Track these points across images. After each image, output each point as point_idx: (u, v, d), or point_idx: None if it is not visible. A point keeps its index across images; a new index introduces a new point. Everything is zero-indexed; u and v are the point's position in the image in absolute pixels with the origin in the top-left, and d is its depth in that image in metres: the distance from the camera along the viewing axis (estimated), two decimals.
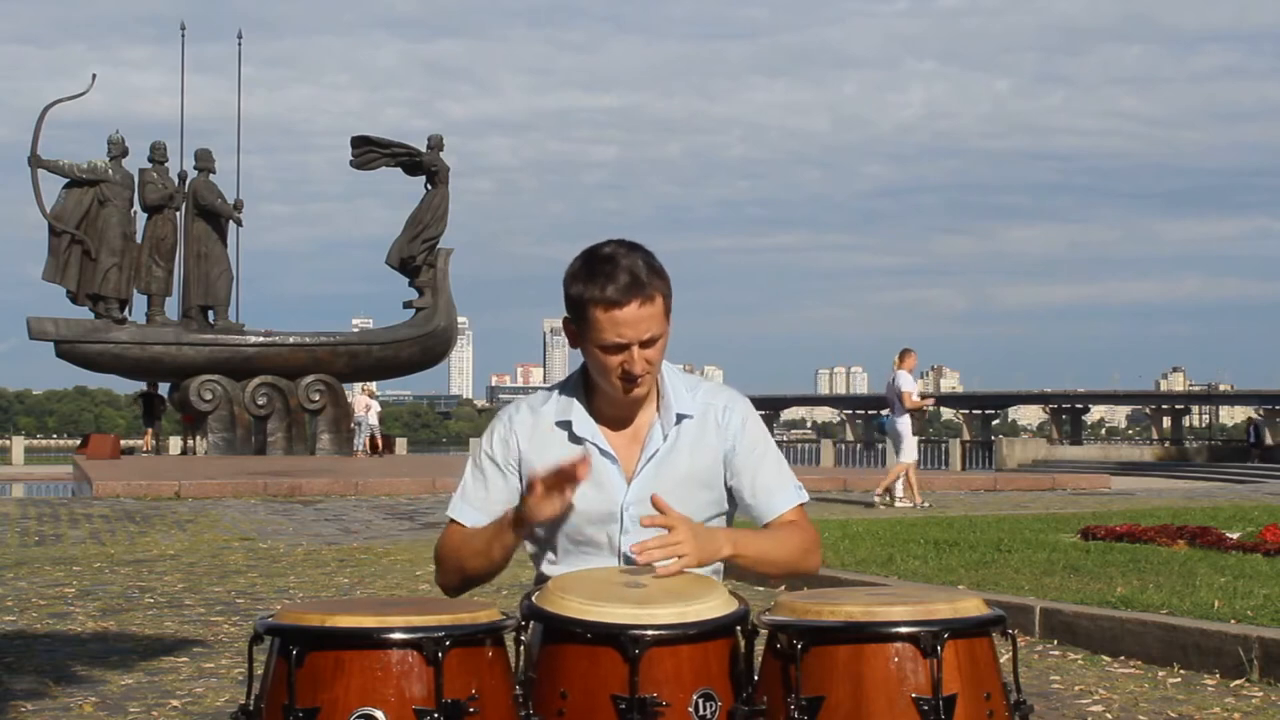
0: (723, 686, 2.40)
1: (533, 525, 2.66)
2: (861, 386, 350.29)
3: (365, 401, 35.11)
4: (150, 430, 36.51)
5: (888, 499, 16.87)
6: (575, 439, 2.77)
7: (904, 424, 16.50)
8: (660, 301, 2.67)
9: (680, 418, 2.79)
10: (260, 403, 31.76)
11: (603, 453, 2.76)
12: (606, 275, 2.63)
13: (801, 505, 2.83)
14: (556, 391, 2.84)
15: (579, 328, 2.70)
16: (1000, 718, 2.41)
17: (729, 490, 2.82)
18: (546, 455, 2.76)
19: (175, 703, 5.40)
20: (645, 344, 2.67)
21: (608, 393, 2.75)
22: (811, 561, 2.79)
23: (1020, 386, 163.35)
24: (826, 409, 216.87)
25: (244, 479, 20.68)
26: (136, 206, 32.35)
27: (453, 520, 2.83)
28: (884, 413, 17.47)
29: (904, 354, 16.61)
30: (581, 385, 2.81)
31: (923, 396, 16.76)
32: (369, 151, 33.64)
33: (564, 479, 2.60)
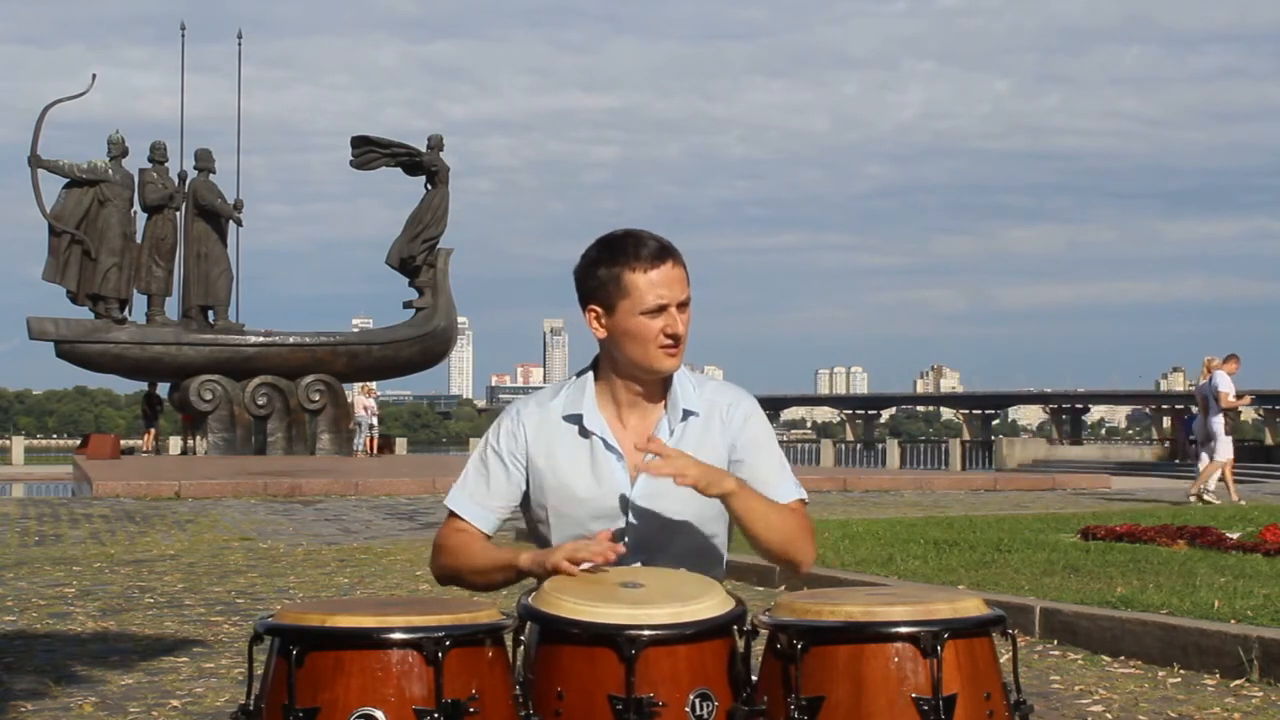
0: (720, 686, 2.40)
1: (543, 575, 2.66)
2: (861, 386, 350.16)
3: (364, 401, 35.10)
4: (150, 430, 36.54)
5: (1204, 496, 17.19)
6: (584, 433, 2.79)
7: (1218, 423, 17.09)
8: (684, 271, 2.76)
9: (686, 414, 2.80)
10: (260, 403, 31.76)
11: (609, 447, 2.78)
12: (636, 243, 2.71)
13: (801, 501, 2.83)
14: (565, 387, 2.85)
15: (611, 306, 2.72)
16: (1000, 718, 2.41)
17: None
18: (554, 449, 2.79)
19: (175, 703, 5.40)
20: (682, 305, 2.73)
21: (635, 375, 2.77)
22: (804, 549, 2.76)
23: (1020, 386, 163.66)
24: (826, 409, 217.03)
25: (244, 479, 20.69)
26: (136, 206, 32.36)
27: (452, 513, 2.84)
28: (1194, 411, 18.40)
29: (1229, 358, 17.49)
30: (591, 380, 2.83)
31: (1238, 396, 17.33)
32: (369, 151, 33.65)
33: (596, 558, 2.60)
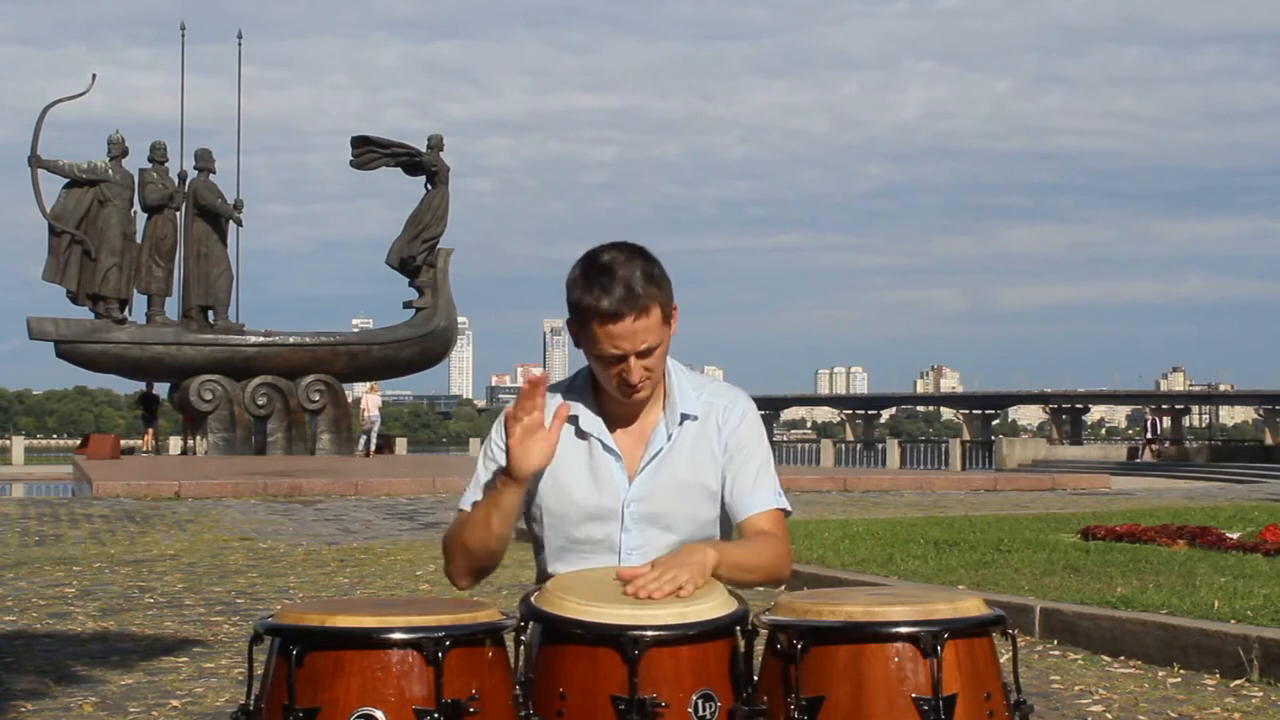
0: (722, 687, 2.40)
1: (525, 478, 2.64)
2: (861, 386, 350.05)
3: (378, 401, 35.09)
4: (150, 430, 36.55)
5: None
6: (581, 434, 2.78)
7: None
8: (657, 312, 2.67)
9: (684, 418, 2.79)
10: (260, 403, 31.77)
11: (607, 449, 2.77)
12: (603, 287, 2.63)
13: (779, 512, 2.80)
14: (565, 386, 2.85)
15: (580, 332, 2.72)
16: (1000, 718, 2.41)
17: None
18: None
19: (175, 703, 5.41)
20: (642, 354, 2.68)
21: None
22: (783, 573, 2.77)
23: (1020, 386, 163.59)
24: (826, 409, 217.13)
25: (244, 479, 20.69)
26: (136, 206, 32.37)
27: (460, 511, 2.82)
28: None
29: None
30: (589, 381, 2.83)
31: None
32: (369, 151, 33.67)
33: (530, 406, 2.60)
